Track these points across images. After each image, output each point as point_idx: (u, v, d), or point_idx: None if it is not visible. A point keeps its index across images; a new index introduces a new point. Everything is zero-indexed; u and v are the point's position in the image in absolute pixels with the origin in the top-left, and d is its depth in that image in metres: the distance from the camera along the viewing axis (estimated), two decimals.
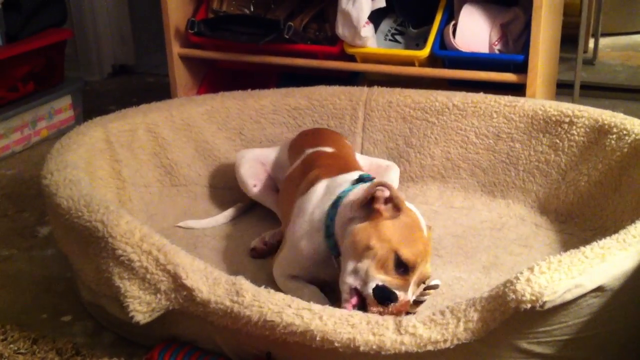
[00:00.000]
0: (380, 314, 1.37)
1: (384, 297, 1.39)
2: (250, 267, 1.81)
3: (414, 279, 1.44)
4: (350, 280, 1.44)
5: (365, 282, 1.43)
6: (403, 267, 1.42)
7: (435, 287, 1.45)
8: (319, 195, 1.66)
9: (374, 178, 1.65)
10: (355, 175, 1.68)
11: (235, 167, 2.08)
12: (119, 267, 1.46)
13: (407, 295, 1.42)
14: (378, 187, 1.48)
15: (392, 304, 1.40)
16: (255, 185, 2.05)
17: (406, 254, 1.42)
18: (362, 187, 1.56)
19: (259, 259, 1.85)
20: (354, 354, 1.27)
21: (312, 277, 1.63)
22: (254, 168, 2.07)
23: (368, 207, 1.49)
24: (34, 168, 2.61)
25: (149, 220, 2.06)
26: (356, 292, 1.44)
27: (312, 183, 1.71)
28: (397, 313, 1.39)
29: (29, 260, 2.00)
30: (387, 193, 1.48)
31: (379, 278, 1.41)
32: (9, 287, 1.86)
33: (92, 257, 1.53)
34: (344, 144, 2.03)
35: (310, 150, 1.93)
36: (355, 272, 1.44)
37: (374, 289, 1.40)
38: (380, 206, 1.47)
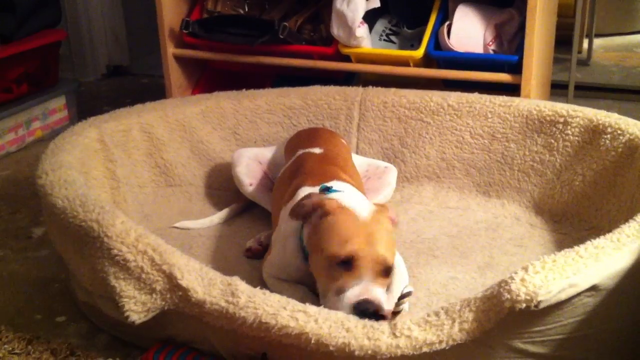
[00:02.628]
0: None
1: (367, 314, 1.34)
2: (245, 268, 1.81)
3: (362, 266, 1.39)
4: (328, 306, 1.40)
5: (324, 298, 1.43)
6: (342, 264, 1.40)
7: (408, 294, 1.37)
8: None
9: (334, 190, 1.60)
10: (319, 187, 1.64)
11: (232, 166, 2.08)
12: (115, 267, 1.45)
13: (364, 284, 1.37)
14: (300, 205, 1.51)
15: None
16: (251, 184, 2.05)
17: (335, 249, 1.40)
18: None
19: (254, 259, 1.85)
20: (349, 358, 1.27)
21: (299, 281, 1.63)
22: (251, 167, 2.07)
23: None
24: (28, 169, 2.61)
25: (143, 220, 2.06)
26: None
27: (293, 193, 1.71)
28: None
29: (23, 261, 1.99)
30: (307, 206, 1.50)
31: (330, 288, 1.40)
32: (3, 288, 1.86)
33: (87, 257, 1.52)
34: (337, 144, 2.02)
35: (301, 151, 1.93)
36: (319, 291, 1.45)
37: (354, 312, 1.35)
38: (310, 221, 1.50)
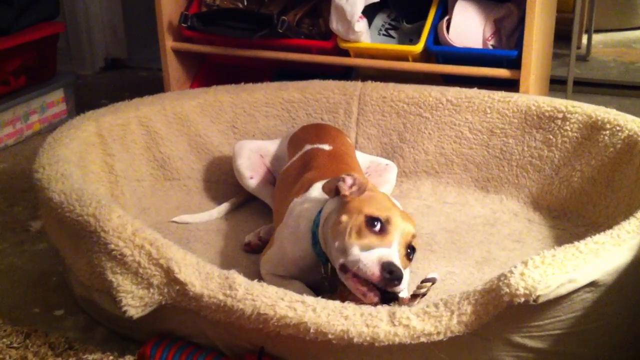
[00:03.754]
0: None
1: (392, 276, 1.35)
2: (243, 262, 1.81)
3: (395, 235, 1.42)
4: (340, 260, 1.42)
5: (345, 253, 1.41)
6: (377, 225, 1.42)
7: (432, 280, 1.43)
8: (310, 200, 1.65)
9: None
10: None
11: (233, 158, 2.07)
12: (112, 262, 1.45)
13: (393, 251, 1.40)
14: (340, 178, 1.52)
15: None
16: (252, 177, 2.04)
17: (374, 210, 1.44)
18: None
19: (252, 253, 1.85)
20: (347, 346, 1.27)
21: (297, 278, 1.63)
22: (252, 160, 2.06)
23: (339, 201, 1.52)
24: (26, 162, 2.60)
25: (141, 214, 2.05)
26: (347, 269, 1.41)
27: (306, 186, 1.71)
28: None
29: (21, 255, 1.99)
30: (349, 181, 1.52)
31: (356, 243, 1.40)
32: (1, 282, 1.85)
33: (84, 251, 1.52)
34: (344, 142, 2.02)
35: (309, 147, 1.92)
36: (338, 250, 1.44)
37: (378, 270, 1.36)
38: (346, 192, 1.51)
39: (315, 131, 2.04)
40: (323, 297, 1.36)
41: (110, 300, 1.46)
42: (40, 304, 1.75)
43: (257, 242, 1.86)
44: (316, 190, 1.67)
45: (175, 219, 2.03)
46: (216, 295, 1.35)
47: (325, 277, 1.54)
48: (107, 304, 1.52)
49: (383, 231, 1.42)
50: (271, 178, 2.07)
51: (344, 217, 1.46)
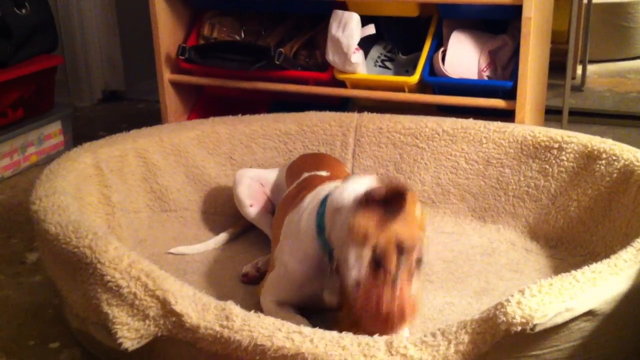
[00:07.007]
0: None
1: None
2: (240, 293, 1.80)
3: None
4: (354, 273, 1.39)
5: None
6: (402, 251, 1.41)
7: None
8: (306, 205, 1.64)
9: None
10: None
11: (233, 186, 2.07)
12: (107, 294, 1.44)
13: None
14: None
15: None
16: (251, 206, 2.04)
17: (405, 237, 1.42)
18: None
19: (250, 285, 1.84)
20: None
21: (302, 299, 1.62)
22: (252, 188, 2.06)
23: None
24: (23, 194, 2.60)
25: (138, 246, 2.05)
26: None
27: (299, 201, 1.70)
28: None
29: (16, 287, 1.98)
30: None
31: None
32: None
33: (80, 283, 1.51)
34: (342, 170, 2.02)
35: (307, 174, 1.93)
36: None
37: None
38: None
39: (313, 159, 2.04)
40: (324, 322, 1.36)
41: (106, 333, 1.45)
42: (35, 336, 1.74)
43: (254, 273, 1.85)
44: (308, 198, 1.66)
45: (172, 250, 2.02)
46: (213, 327, 1.34)
47: (332, 272, 1.50)
48: (102, 336, 1.51)
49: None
50: (271, 207, 2.07)
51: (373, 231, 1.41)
